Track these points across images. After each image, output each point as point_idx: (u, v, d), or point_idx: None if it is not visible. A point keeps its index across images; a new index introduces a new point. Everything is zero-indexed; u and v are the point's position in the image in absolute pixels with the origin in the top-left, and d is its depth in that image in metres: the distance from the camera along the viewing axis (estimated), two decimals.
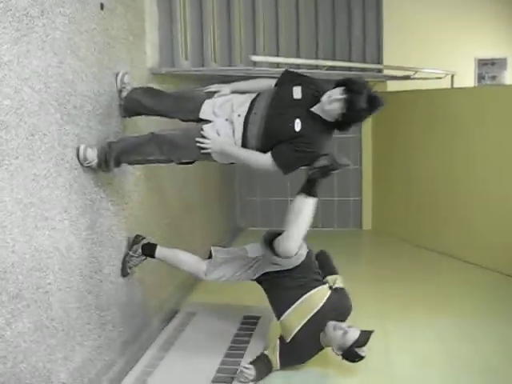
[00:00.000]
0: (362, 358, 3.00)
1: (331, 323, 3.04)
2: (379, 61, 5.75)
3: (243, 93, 2.98)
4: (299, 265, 3.10)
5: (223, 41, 4.54)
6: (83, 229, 2.75)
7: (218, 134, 2.84)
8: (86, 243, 2.77)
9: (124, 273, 3.20)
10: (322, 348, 3.12)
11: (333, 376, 3.14)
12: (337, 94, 2.70)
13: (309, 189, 2.88)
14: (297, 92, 2.83)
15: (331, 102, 2.70)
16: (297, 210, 2.85)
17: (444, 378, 3.10)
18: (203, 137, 2.84)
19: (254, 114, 2.82)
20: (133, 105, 3.12)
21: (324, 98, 2.73)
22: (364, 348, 2.98)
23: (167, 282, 3.95)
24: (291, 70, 3.08)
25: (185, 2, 4.04)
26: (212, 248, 3.32)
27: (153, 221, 3.71)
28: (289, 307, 3.10)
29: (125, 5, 3.25)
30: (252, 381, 2.96)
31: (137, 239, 3.27)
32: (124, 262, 3.19)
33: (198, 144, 2.84)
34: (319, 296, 3.11)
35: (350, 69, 5.08)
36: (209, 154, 2.86)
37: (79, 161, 2.72)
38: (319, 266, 3.31)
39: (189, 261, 3.32)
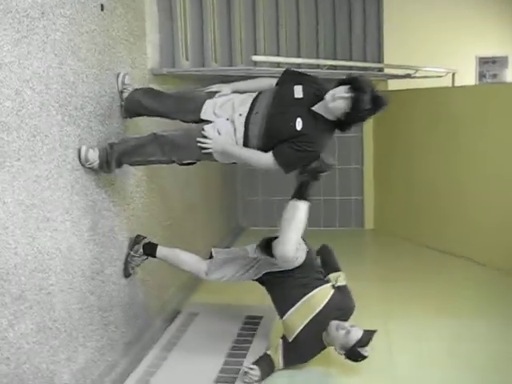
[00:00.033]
0: (364, 357, 3.00)
1: (334, 323, 3.03)
2: (380, 60, 5.75)
3: (244, 92, 2.98)
4: (301, 265, 3.10)
5: (224, 41, 4.54)
6: (85, 230, 2.75)
7: (219, 134, 2.84)
8: (87, 244, 2.77)
9: (126, 273, 3.20)
10: (324, 347, 3.11)
11: (335, 375, 3.14)
12: (341, 92, 2.69)
13: (300, 193, 2.87)
14: (298, 91, 2.83)
15: (335, 100, 2.69)
16: (290, 215, 2.84)
17: (447, 378, 3.09)
18: (204, 137, 2.84)
19: (255, 113, 2.82)
20: (134, 106, 3.12)
21: (328, 96, 2.73)
22: (367, 348, 2.98)
23: (169, 283, 3.95)
24: (292, 68, 3.08)
25: (185, 2, 4.04)
26: (212, 249, 3.32)
27: (155, 221, 3.71)
28: (291, 307, 3.09)
29: (125, 5, 3.25)
30: (256, 381, 2.96)
31: (138, 239, 3.27)
32: (126, 263, 3.20)
33: (199, 144, 2.84)
34: (321, 295, 3.10)
35: (350, 68, 5.08)
36: (210, 153, 2.87)
37: (81, 162, 2.72)
38: (322, 263, 3.31)
39: (189, 260, 3.32)
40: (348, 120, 2.76)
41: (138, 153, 2.93)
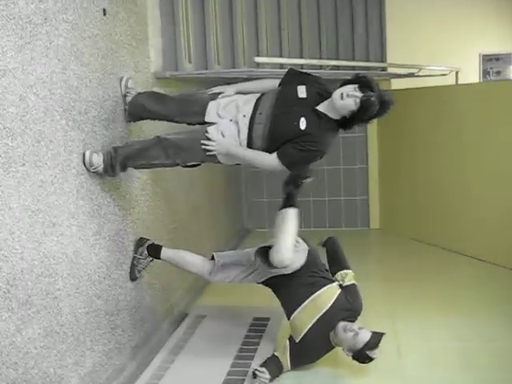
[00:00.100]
0: (372, 359, 2.99)
1: (341, 324, 3.02)
2: (383, 59, 5.74)
3: (247, 93, 2.98)
4: (304, 265, 3.10)
5: (226, 43, 4.54)
6: (91, 234, 2.75)
7: (223, 136, 2.84)
8: (93, 248, 2.77)
9: (132, 277, 3.20)
10: (332, 347, 3.10)
11: (343, 376, 3.13)
12: (351, 90, 2.69)
13: (288, 203, 2.89)
14: (301, 91, 2.83)
15: (344, 99, 2.69)
16: (280, 222, 2.87)
17: (455, 377, 3.08)
18: (208, 139, 2.84)
19: (259, 113, 2.82)
20: (137, 109, 3.12)
21: (336, 95, 2.72)
22: (375, 350, 2.96)
23: (176, 286, 3.95)
24: (295, 69, 3.08)
25: (187, 5, 4.05)
26: (214, 253, 3.31)
27: (160, 225, 3.72)
28: (298, 307, 3.09)
29: (127, 10, 3.26)
30: None
31: (141, 242, 3.28)
32: (132, 266, 3.20)
33: (203, 146, 2.84)
34: (328, 295, 3.10)
35: (353, 68, 5.07)
36: (214, 155, 2.87)
37: (85, 166, 2.73)
38: (328, 258, 3.30)
39: (194, 261, 3.32)
40: (353, 119, 2.75)
41: (142, 156, 2.93)
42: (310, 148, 2.77)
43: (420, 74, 5.33)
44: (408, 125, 5.73)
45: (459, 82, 5.65)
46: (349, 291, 3.15)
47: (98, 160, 2.77)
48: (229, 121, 2.86)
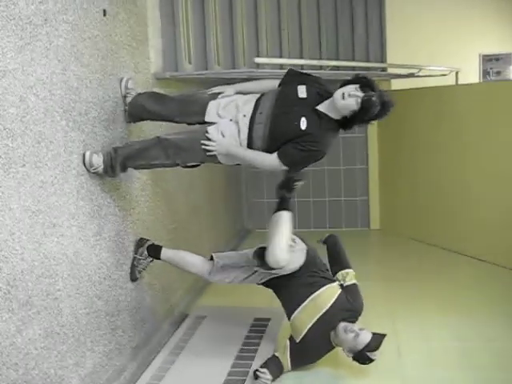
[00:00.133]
0: (372, 360, 2.99)
1: (342, 325, 3.02)
2: (383, 59, 5.74)
3: (247, 93, 2.98)
4: (303, 264, 3.10)
5: (226, 44, 4.54)
6: (91, 235, 2.76)
7: (223, 136, 2.84)
8: (94, 249, 2.78)
9: (133, 277, 3.21)
10: (332, 347, 3.10)
11: (344, 376, 3.13)
12: (352, 90, 2.69)
13: (282, 207, 2.92)
14: (302, 91, 2.83)
15: (346, 98, 2.69)
16: (274, 225, 2.90)
17: (455, 378, 3.08)
18: (208, 139, 2.84)
19: (259, 113, 2.82)
20: (137, 110, 3.12)
21: (337, 95, 2.72)
22: (376, 352, 2.96)
23: (176, 286, 3.95)
24: (295, 69, 3.08)
25: (187, 6, 4.05)
26: (213, 254, 3.31)
27: (160, 225, 3.72)
28: (298, 307, 3.09)
29: (127, 11, 3.26)
30: None
31: (141, 242, 3.28)
32: (132, 267, 3.20)
33: (203, 146, 2.84)
34: (328, 295, 3.10)
35: (353, 68, 5.08)
36: (214, 156, 2.87)
37: (85, 167, 2.73)
38: (329, 257, 3.30)
39: (194, 261, 3.32)
40: (354, 119, 2.75)
41: (142, 156, 2.93)
42: (310, 148, 2.77)
43: (420, 74, 5.33)
44: (408, 125, 5.73)
45: (459, 83, 5.65)
46: (349, 291, 3.15)
47: (97, 161, 2.77)
48: (229, 121, 2.86)
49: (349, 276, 3.21)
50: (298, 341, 3.08)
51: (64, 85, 2.55)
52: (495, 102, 4.86)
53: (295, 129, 2.76)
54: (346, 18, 5.69)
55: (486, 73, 6.98)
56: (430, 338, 3.54)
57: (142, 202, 3.43)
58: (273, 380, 3.00)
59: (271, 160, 2.81)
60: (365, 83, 2.70)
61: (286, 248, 2.86)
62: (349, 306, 3.09)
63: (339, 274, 3.22)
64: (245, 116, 2.83)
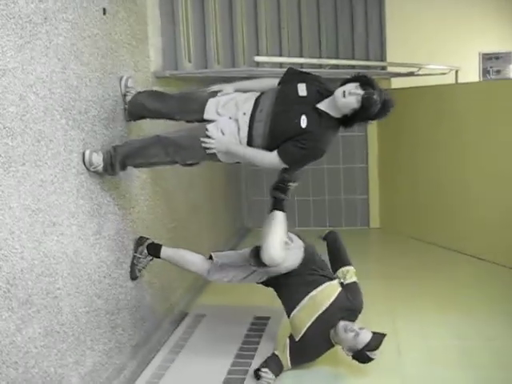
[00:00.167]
0: (372, 359, 2.99)
1: (342, 324, 3.02)
2: (382, 58, 5.74)
3: (246, 92, 2.98)
4: (302, 262, 3.10)
5: (226, 42, 4.54)
6: (91, 233, 2.76)
7: (223, 134, 2.84)
8: (93, 248, 2.78)
9: (133, 276, 3.21)
10: (332, 346, 3.10)
11: (343, 375, 3.13)
12: (353, 88, 2.70)
13: (276, 207, 2.94)
14: (302, 89, 2.83)
15: (347, 97, 2.69)
16: (268, 224, 2.91)
17: (455, 376, 3.08)
18: (208, 137, 2.84)
19: (259, 111, 2.82)
20: (137, 108, 3.12)
21: (338, 93, 2.72)
22: (375, 351, 2.96)
23: (176, 285, 3.95)
24: (294, 68, 3.08)
25: (187, 4, 4.05)
26: (212, 253, 3.31)
27: (159, 224, 3.72)
28: (297, 305, 3.09)
29: (127, 9, 3.26)
30: None
31: (140, 241, 3.28)
32: (132, 265, 3.20)
33: (203, 144, 2.84)
34: (328, 293, 3.09)
35: (353, 67, 5.07)
36: (214, 154, 2.87)
37: (85, 166, 2.73)
38: (329, 254, 3.29)
39: (193, 260, 3.32)
40: (355, 117, 2.76)
41: (141, 155, 2.93)
42: (310, 146, 2.77)
43: (420, 72, 5.33)
44: (408, 124, 5.73)
45: (459, 81, 5.65)
46: (349, 289, 3.14)
47: (97, 159, 2.77)
48: (228, 118, 2.86)
49: (349, 273, 3.20)
50: (297, 339, 3.09)
51: (64, 83, 2.55)
52: (495, 100, 4.86)
53: (295, 127, 2.76)
54: (346, 16, 5.68)
55: (485, 71, 6.98)
56: (430, 337, 3.54)
57: (141, 201, 3.43)
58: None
59: (271, 158, 2.81)
60: (365, 81, 2.71)
61: (280, 246, 2.86)
62: (348, 305, 3.09)
63: (339, 272, 3.22)
64: (245, 114, 2.83)
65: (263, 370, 2.98)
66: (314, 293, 3.08)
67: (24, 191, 2.23)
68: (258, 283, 3.26)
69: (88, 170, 2.75)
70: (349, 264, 3.26)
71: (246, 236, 6.11)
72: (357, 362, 3.04)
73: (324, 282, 3.12)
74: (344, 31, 5.66)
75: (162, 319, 3.64)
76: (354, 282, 3.18)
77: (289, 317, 3.15)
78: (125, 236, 3.15)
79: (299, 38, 5.40)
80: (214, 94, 2.99)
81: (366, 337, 2.95)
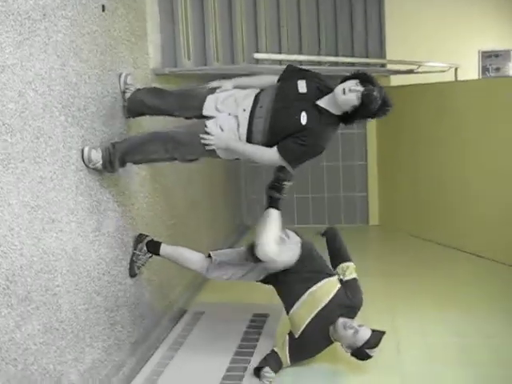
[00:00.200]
0: (370, 357, 2.99)
1: (341, 321, 3.02)
2: (382, 56, 5.73)
3: (245, 88, 2.97)
4: (300, 259, 3.10)
5: (225, 39, 4.53)
6: (90, 230, 2.75)
7: (222, 130, 2.84)
8: (93, 245, 2.77)
9: (132, 273, 3.21)
10: (331, 342, 3.10)
11: (343, 372, 3.13)
12: (353, 85, 2.70)
13: (271, 206, 3.03)
14: (302, 86, 2.83)
15: (347, 93, 2.69)
16: (263, 221, 2.98)
17: (455, 373, 3.09)
18: (207, 133, 2.84)
19: (259, 107, 2.81)
20: (136, 105, 3.12)
21: (338, 90, 2.72)
22: (374, 348, 2.96)
23: (175, 282, 3.95)
24: (294, 65, 3.08)
25: (186, 1, 4.04)
26: (211, 252, 3.32)
27: (159, 221, 3.72)
28: (296, 302, 3.09)
29: (126, 6, 3.25)
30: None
31: (140, 238, 3.28)
32: (131, 262, 3.20)
33: (202, 141, 2.84)
34: (326, 289, 3.09)
35: (353, 64, 5.07)
36: (213, 150, 2.86)
37: (84, 163, 2.72)
38: (330, 253, 3.29)
39: (192, 258, 3.32)
40: (355, 114, 2.76)
41: (140, 151, 2.93)
42: (310, 143, 2.77)
43: (419, 70, 5.33)
44: (407, 121, 5.73)
45: (458, 79, 5.65)
46: (349, 286, 3.14)
47: (96, 156, 2.77)
48: (227, 115, 2.86)
49: (349, 270, 3.19)
50: (296, 336, 3.09)
51: (63, 80, 2.55)
52: (494, 98, 4.86)
53: (296, 123, 2.76)
54: (346, 15, 5.68)
55: (485, 69, 6.97)
56: (429, 334, 3.54)
57: (140, 198, 3.43)
58: None
59: (271, 154, 2.80)
60: (365, 78, 2.71)
61: (274, 242, 2.90)
62: (348, 302, 3.09)
63: (339, 268, 3.21)
64: (245, 110, 2.82)
65: (265, 369, 2.97)
66: (313, 288, 3.08)
67: (23, 188, 2.23)
68: (257, 281, 3.26)
69: (87, 166, 2.75)
70: (349, 260, 3.25)
71: (245, 233, 6.11)
72: (356, 360, 3.05)
73: (323, 279, 3.12)
74: (343, 30, 5.65)
75: (161, 316, 3.65)
76: (354, 279, 3.18)
77: (288, 313, 3.15)
78: (124, 233, 3.15)
79: (298, 36, 5.39)
80: (213, 90, 2.98)
81: (365, 334, 2.95)
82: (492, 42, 6.84)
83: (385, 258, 5.32)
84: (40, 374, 2.29)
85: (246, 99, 2.85)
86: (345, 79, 2.76)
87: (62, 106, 2.54)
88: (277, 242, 2.92)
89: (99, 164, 2.80)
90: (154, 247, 3.28)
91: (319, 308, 3.05)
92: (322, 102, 2.80)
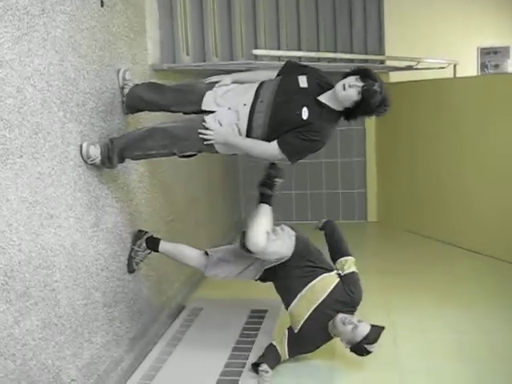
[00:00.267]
0: (370, 352, 3.00)
1: (340, 316, 3.02)
2: (381, 52, 5.73)
3: (244, 83, 2.97)
4: (297, 253, 3.10)
5: (224, 35, 4.52)
6: (88, 226, 2.76)
7: (220, 125, 2.84)
8: (91, 240, 2.78)
9: (130, 269, 3.21)
10: (330, 337, 3.10)
11: (340, 368, 3.14)
12: (353, 81, 2.70)
13: (263, 201, 3.08)
14: (303, 81, 2.83)
15: (347, 89, 2.70)
16: (254, 215, 3.05)
17: (452, 369, 3.10)
18: (206, 128, 2.84)
19: (260, 101, 2.81)
20: (134, 101, 3.12)
21: (338, 87, 2.73)
22: (374, 344, 2.97)
23: (173, 278, 3.96)
24: (293, 61, 3.07)
25: None
26: (207, 250, 3.32)
27: (157, 217, 3.72)
28: (294, 297, 3.10)
29: (124, 2, 3.25)
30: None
31: (139, 234, 3.28)
32: (130, 258, 3.20)
33: (200, 136, 2.84)
34: (325, 284, 3.09)
35: (352, 60, 5.07)
36: (212, 145, 2.86)
37: (83, 158, 2.72)
38: (329, 247, 3.29)
39: (191, 255, 3.33)
40: (357, 109, 2.76)
41: (138, 147, 2.92)
42: (311, 138, 2.77)
43: (418, 66, 5.33)
44: (406, 118, 5.73)
45: (457, 76, 5.65)
46: (348, 280, 3.12)
47: (95, 152, 2.77)
48: (227, 109, 2.85)
49: (347, 264, 3.17)
50: (296, 331, 3.09)
51: (61, 76, 2.54)
52: (493, 95, 4.86)
53: (297, 118, 2.76)
54: (345, 10, 5.66)
55: (483, 66, 6.97)
56: (428, 331, 3.55)
57: (139, 194, 3.43)
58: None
59: (270, 148, 2.80)
60: (365, 74, 2.72)
61: (263, 233, 2.95)
62: (346, 297, 3.07)
63: (338, 262, 3.19)
64: (245, 105, 2.82)
65: (262, 367, 2.97)
66: (311, 284, 3.09)
67: (21, 183, 2.23)
68: (255, 280, 3.26)
69: (85, 162, 2.74)
70: (347, 254, 3.23)
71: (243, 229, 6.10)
72: (354, 355, 3.05)
73: (322, 273, 3.12)
74: (343, 27, 5.63)
75: (160, 312, 3.65)
76: (353, 273, 3.15)
77: (287, 309, 3.15)
78: (122, 229, 3.15)
79: (297, 31, 5.37)
80: (212, 85, 2.98)
81: (364, 329, 2.95)
82: (491, 38, 6.83)
83: (383, 255, 5.33)
84: (39, 369, 2.29)
85: (247, 93, 2.85)
86: (345, 75, 2.76)
87: (61, 101, 2.53)
88: (266, 234, 2.96)
89: (98, 160, 2.80)
90: (153, 244, 3.29)
91: (317, 303, 3.05)
92: (323, 98, 2.80)
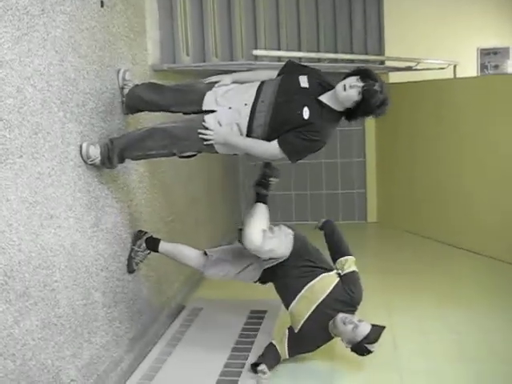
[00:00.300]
0: (370, 352, 3.00)
1: (341, 316, 3.01)
2: (381, 53, 5.73)
3: (244, 83, 2.97)
4: (295, 252, 3.10)
5: (224, 35, 4.53)
6: (88, 226, 2.76)
7: (220, 125, 2.84)
8: (91, 241, 2.78)
9: (130, 269, 3.21)
10: (331, 337, 3.10)
11: (340, 369, 3.14)
12: (353, 81, 2.71)
13: (259, 201, 3.15)
14: (303, 81, 2.83)
15: (347, 89, 2.70)
16: (249, 213, 3.11)
17: (452, 369, 3.10)
18: (205, 128, 2.84)
19: (261, 101, 2.80)
20: (134, 101, 3.12)
21: (339, 87, 2.74)
22: (374, 344, 2.97)
23: (173, 278, 3.96)
24: (293, 61, 3.08)
25: None
26: (206, 250, 3.32)
27: (157, 217, 3.72)
28: (294, 297, 3.09)
29: (125, 2, 3.25)
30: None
31: (139, 234, 3.28)
32: (130, 259, 3.20)
33: (200, 136, 2.84)
34: (324, 283, 3.09)
35: (352, 61, 5.07)
36: (212, 145, 2.86)
37: (82, 159, 2.72)
38: (329, 247, 3.29)
39: (191, 255, 3.33)
40: (358, 109, 2.76)
41: (138, 147, 2.92)
42: (312, 138, 2.77)
43: (418, 67, 5.33)
44: (405, 118, 5.73)
45: (457, 76, 5.65)
46: (348, 280, 3.11)
47: (94, 152, 2.77)
48: (228, 109, 2.85)
49: (347, 263, 3.17)
50: (296, 331, 3.09)
51: (61, 76, 2.55)
52: (493, 95, 4.86)
53: (298, 118, 2.76)
54: (345, 11, 5.67)
55: (483, 67, 6.97)
56: (427, 331, 3.55)
57: (139, 194, 3.43)
58: (270, 370, 3.01)
59: (271, 148, 2.80)
60: (366, 74, 2.72)
61: (259, 231, 2.97)
62: (346, 297, 3.07)
63: (338, 262, 3.19)
64: (246, 105, 2.81)
65: (261, 368, 2.97)
66: (312, 283, 3.08)
67: (21, 184, 2.23)
68: (255, 282, 3.26)
69: (85, 162, 2.74)
70: (347, 254, 3.23)
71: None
72: (354, 356, 3.05)
73: (321, 273, 3.12)
74: (343, 28, 5.64)
75: (159, 312, 3.65)
76: (353, 272, 3.15)
77: (288, 309, 3.15)
78: (122, 229, 3.15)
79: (297, 31, 5.37)
80: (211, 85, 2.97)
81: (364, 329, 2.95)
82: (491, 39, 6.83)
83: (383, 255, 5.33)
84: (38, 369, 2.29)
85: (248, 93, 2.85)
86: (346, 76, 2.77)
87: (61, 101, 2.53)
88: (263, 232, 2.98)
89: (97, 160, 2.80)
90: (153, 244, 3.29)
91: (317, 303, 3.05)
92: (324, 98, 2.80)
